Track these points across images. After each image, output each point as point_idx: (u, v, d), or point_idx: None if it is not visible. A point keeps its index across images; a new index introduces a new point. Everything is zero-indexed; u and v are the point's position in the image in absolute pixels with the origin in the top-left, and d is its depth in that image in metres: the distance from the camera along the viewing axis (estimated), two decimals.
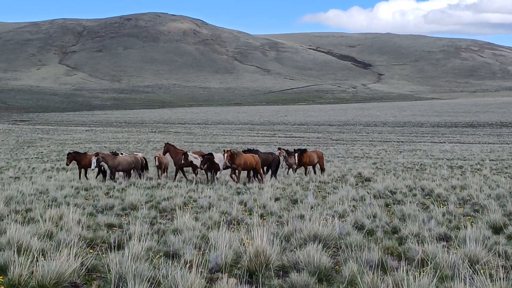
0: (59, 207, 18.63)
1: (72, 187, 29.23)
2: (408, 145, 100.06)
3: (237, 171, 32.04)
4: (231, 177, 32.38)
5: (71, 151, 37.86)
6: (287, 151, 36.94)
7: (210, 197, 22.92)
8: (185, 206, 21.44)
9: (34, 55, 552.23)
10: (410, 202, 20.59)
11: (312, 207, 19.35)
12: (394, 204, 21.44)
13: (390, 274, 9.95)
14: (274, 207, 20.06)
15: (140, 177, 34.10)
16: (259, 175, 33.27)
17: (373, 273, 9.84)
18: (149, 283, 9.60)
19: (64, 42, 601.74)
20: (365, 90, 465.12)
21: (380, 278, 9.74)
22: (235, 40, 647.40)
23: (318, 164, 37.92)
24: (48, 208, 18.01)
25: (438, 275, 9.95)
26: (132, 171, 34.83)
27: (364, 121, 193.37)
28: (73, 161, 35.10)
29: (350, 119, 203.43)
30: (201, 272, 9.77)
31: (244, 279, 10.31)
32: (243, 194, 25.21)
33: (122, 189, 28.53)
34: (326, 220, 14.87)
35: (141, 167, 35.08)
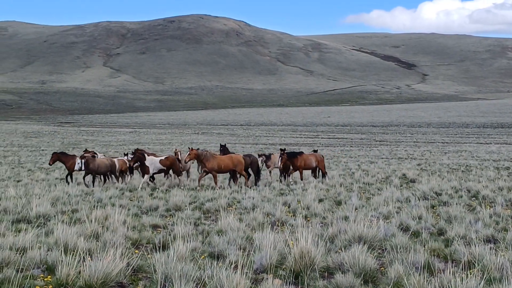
0: (104, 208, 18.83)
1: (116, 188, 29.55)
2: (453, 146, 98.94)
3: (212, 173, 30.55)
4: (198, 180, 30.94)
5: (57, 151, 37.15)
6: (287, 153, 33.73)
7: (253, 198, 22.91)
8: (229, 207, 21.50)
9: (79, 58, 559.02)
10: (456, 204, 20.32)
11: (356, 209, 19.24)
12: (439, 206, 21.18)
13: (436, 276, 9.86)
14: (318, 208, 19.97)
15: (117, 181, 33.23)
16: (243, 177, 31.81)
17: (419, 275, 9.75)
18: (194, 284, 9.65)
19: (108, 45, 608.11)
20: (409, 90, 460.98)
21: (427, 280, 9.65)
22: (278, 41, 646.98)
23: (318, 167, 35.05)
24: (93, 209, 18.21)
25: (485, 277, 9.82)
26: (109, 174, 33.47)
27: (408, 122, 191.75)
28: (57, 161, 34.20)
29: (394, 120, 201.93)
30: (246, 273, 9.77)
31: (289, 280, 10.31)
32: (286, 195, 25.18)
33: (166, 190, 28.75)
34: (370, 222, 14.76)
35: (121, 171, 33.51)
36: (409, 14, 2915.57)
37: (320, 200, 23.13)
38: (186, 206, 21.17)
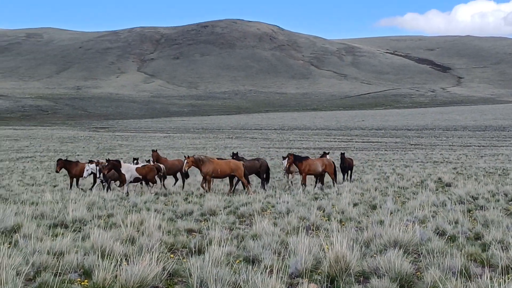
0: (139, 212, 18.97)
1: (151, 193, 29.74)
2: (490, 149, 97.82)
3: (207, 178, 30.16)
4: (202, 186, 30.75)
5: (62, 158, 36.64)
6: (294, 156, 33.13)
7: (288, 202, 22.88)
8: (263, 211, 21.51)
9: (113, 63, 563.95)
10: (493, 208, 20.09)
11: (391, 213, 19.09)
12: (476, 210, 20.96)
13: (473, 281, 9.76)
14: (352, 213, 19.88)
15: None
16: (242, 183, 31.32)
17: (456, 280, 9.67)
18: None
19: (142, 50, 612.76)
20: (444, 93, 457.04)
21: (463, 285, 9.56)
22: (311, 45, 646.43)
23: (327, 173, 33.70)
24: (129, 214, 18.36)
25: None
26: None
27: (443, 125, 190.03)
28: (63, 168, 34.22)
29: (429, 124, 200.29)
30: (281, 277, 9.76)
31: (325, 285, 10.28)
32: (321, 200, 25.11)
33: (201, 195, 28.85)
34: (406, 226, 14.65)
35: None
36: (443, 17, 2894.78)
37: (355, 204, 23.03)
38: (220, 210, 21.23)
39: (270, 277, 9.60)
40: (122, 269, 10.32)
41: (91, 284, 10.33)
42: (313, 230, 16.77)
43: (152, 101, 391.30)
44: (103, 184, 32.06)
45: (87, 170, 31.79)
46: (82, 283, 10.56)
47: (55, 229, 16.80)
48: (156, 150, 37.19)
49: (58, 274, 10.76)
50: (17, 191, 32.00)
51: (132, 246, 13.33)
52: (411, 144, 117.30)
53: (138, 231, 15.36)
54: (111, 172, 30.95)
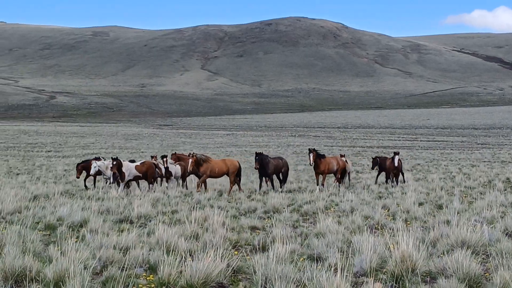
0: (203, 209, 19.11)
1: (214, 190, 29.90)
2: None
3: (203, 177, 29.40)
4: (197, 184, 29.84)
5: (79, 162, 35.27)
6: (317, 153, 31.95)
7: (352, 201, 22.74)
8: (327, 209, 21.43)
9: (177, 61, 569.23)
10: None
11: (458, 213, 18.76)
12: None
13: None
14: (418, 212, 19.61)
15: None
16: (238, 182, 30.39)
17: None
18: (295, 285, 9.63)
19: (206, 48, 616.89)
20: None
21: None
22: (376, 43, 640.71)
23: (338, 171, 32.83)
24: (193, 210, 18.48)
25: None
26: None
27: None
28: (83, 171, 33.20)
29: (496, 122, 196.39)
30: (346, 275, 9.67)
31: (390, 284, 10.16)
32: (385, 199, 24.90)
33: (264, 193, 28.88)
34: (474, 226, 14.36)
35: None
36: None
37: (420, 204, 22.72)
38: (284, 208, 21.23)
39: (335, 276, 9.53)
40: (186, 265, 10.40)
41: (156, 279, 10.44)
42: (377, 229, 16.61)
43: (215, 99, 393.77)
44: (111, 183, 30.83)
45: (94, 167, 30.84)
46: (148, 278, 10.68)
47: (120, 224, 17.06)
48: (176, 152, 36.33)
49: (124, 268, 10.89)
50: (83, 187, 32.53)
51: (196, 242, 13.43)
52: (478, 144, 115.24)
53: (202, 227, 15.47)
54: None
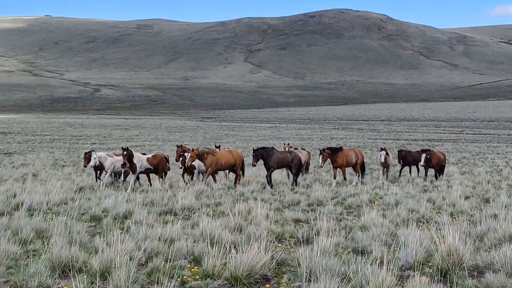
0: (246, 201, 19.12)
1: (257, 182, 29.89)
2: None
3: (208, 171, 28.46)
4: (205, 179, 28.77)
5: (87, 151, 32.81)
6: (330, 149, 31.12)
7: (396, 194, 22.55)
8: (371, 203, 21.30)
9: (221, 54, 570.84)
10: None
11: (505, 207, 18.47)
12: None
13: None
14: (464, 206, 19.36)
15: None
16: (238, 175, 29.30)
17: None
18: (339, 278, 9.57)
19: (249, 41, 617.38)
20: None
21: None
22: (421, 34, 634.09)
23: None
24: (236, 203, 18.51)
25: None
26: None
27: None
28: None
29: None
30: (392, 269, 9.58)
31: (436, 278, 10.04)
32: (430, 192, 24.66)
33: (307, 185, 28.79)
34: None
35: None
36: None
37: (466, 198, 22.43)
38: (328, 201, 21.15)
39: (380, 269, 9.45)
40: (231, 257, 10.42)
41: (201, 270, 10.48)
42: (423, 222, 16.43)
43: (258, 92, 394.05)
44: (122, 180, 30.08)
45: (94, 158, 29.80)
46: (192, 270, 10.73)
47: (164, 216, 17.16)
48: (182, 145, 34.70)
49: (168, 260, 10.96)
50: (127, 179, 32.38)
51: (240, 235, 13.43)
52: None
53: (245, 220, 15.47)
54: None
